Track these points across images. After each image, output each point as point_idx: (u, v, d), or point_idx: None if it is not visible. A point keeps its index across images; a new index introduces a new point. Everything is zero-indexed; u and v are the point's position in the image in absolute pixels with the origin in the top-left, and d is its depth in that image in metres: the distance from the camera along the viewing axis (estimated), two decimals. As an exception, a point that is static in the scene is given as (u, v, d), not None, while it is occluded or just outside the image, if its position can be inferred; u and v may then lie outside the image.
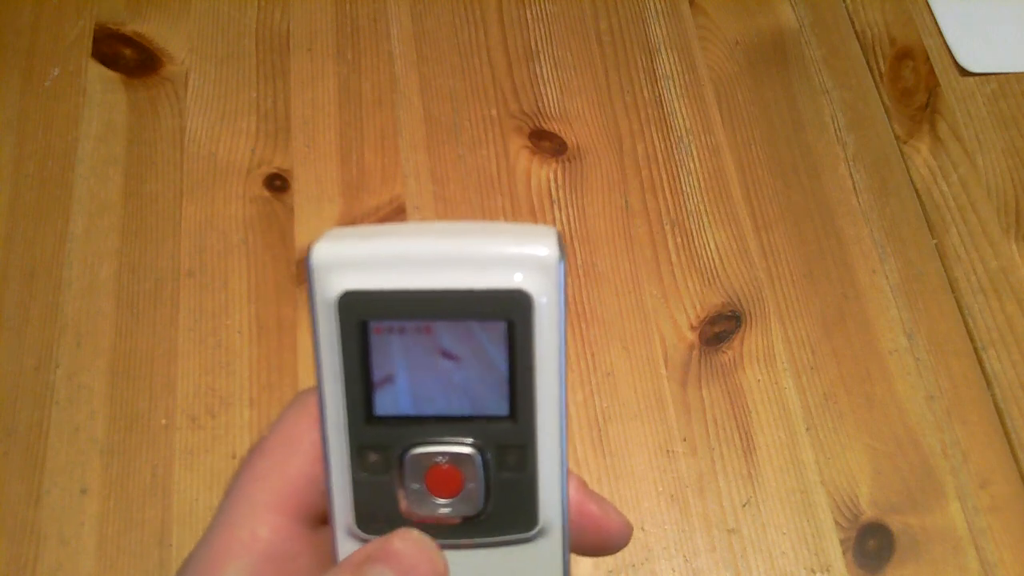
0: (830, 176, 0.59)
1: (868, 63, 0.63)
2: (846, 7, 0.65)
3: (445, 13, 0.63)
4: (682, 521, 0.49)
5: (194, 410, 0.50)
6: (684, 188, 0.58)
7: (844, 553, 0.48)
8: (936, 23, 0.65)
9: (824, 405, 0.52)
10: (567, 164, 0.58)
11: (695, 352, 0.53)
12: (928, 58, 0.63)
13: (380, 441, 0.22)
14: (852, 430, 0.51)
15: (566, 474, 0.22)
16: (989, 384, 0.53)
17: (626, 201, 0.57)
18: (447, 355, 0.21)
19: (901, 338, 0.54)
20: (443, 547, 0.22)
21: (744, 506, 0.49)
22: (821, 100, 0.62)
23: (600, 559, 0.47)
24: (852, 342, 0.54)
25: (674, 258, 0.56)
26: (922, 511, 0.49)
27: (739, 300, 0.55)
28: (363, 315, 0.21)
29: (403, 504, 0.22)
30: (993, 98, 0.62)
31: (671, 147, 0.59)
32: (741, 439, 0.51)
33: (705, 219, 0.57)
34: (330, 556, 0.23)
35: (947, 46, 0.64)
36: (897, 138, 0.60)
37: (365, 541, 0.22)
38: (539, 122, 0.59)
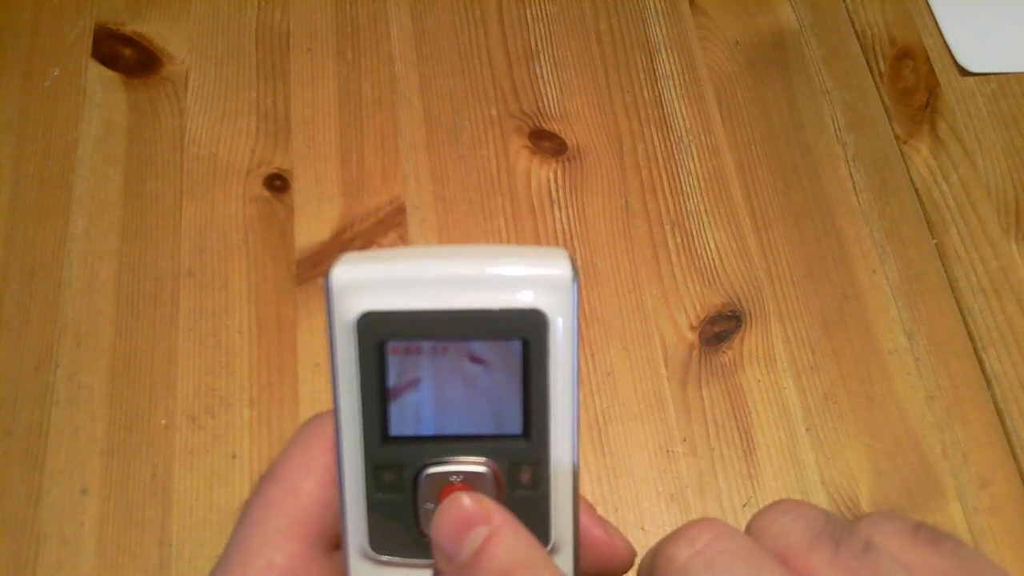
0: (830, 176, 0.59)
1: (868, 63, 0.63)
2: (846, 7, 0.65)
3: (445, 13, 0.63)
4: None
5: (194, 410, 0.50)
6: (684, 188, 0.58)
7: (844, 553, 0.48)
8: (936, 23, 0.65)
9: (824, 405, 0.52)
10: (567, 164, 0.58)
11: (695, 352, 0.53)
12: (928, 58, 0.63)
13: (396, 461, 0.22)
14: (852, 430, 0.51)
15: (578, 492, 0.23)
16: (989, 384, 0.53)
17: (626, 201, 0.57)
18: (463, 374, 0.21)
19: (901, 338, 0.54)
20: None
21: (744, 506, 0.49)
22: (821, 100, 0.62)
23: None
24: (852, 342, 0.54)
25: (674, 258, 0.56)
26: (922, 511, 0.49)
27: (739, 300, 0.55)
28: (381, 335, 0.21)
29: (418, 524, 0.22)
30: (993, 98, 0.62)
31: (671, 147, 0.59)
32: (741, 439, 0.51)
33: (705, 219, 0.57)
34: None
35: (947, 46, 0.64)
36: (897, 138, 0.60)
37: (378, 563, 0.22)
38: (539, 122, 0.59)
